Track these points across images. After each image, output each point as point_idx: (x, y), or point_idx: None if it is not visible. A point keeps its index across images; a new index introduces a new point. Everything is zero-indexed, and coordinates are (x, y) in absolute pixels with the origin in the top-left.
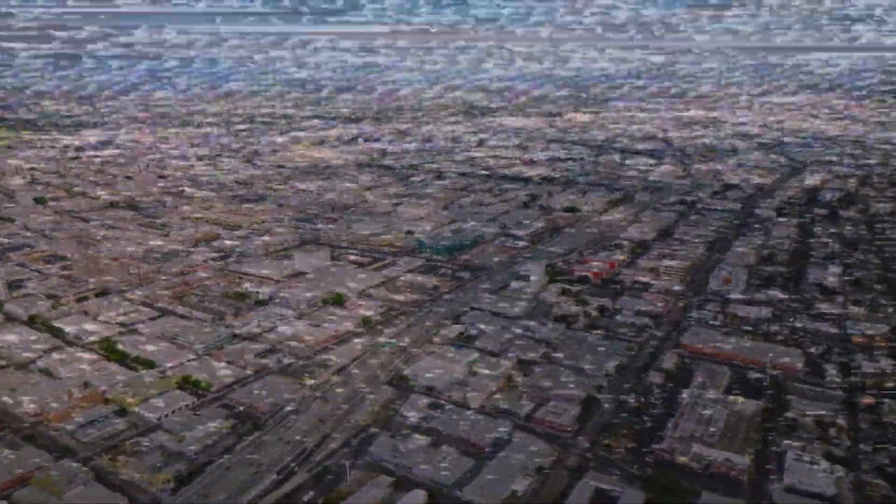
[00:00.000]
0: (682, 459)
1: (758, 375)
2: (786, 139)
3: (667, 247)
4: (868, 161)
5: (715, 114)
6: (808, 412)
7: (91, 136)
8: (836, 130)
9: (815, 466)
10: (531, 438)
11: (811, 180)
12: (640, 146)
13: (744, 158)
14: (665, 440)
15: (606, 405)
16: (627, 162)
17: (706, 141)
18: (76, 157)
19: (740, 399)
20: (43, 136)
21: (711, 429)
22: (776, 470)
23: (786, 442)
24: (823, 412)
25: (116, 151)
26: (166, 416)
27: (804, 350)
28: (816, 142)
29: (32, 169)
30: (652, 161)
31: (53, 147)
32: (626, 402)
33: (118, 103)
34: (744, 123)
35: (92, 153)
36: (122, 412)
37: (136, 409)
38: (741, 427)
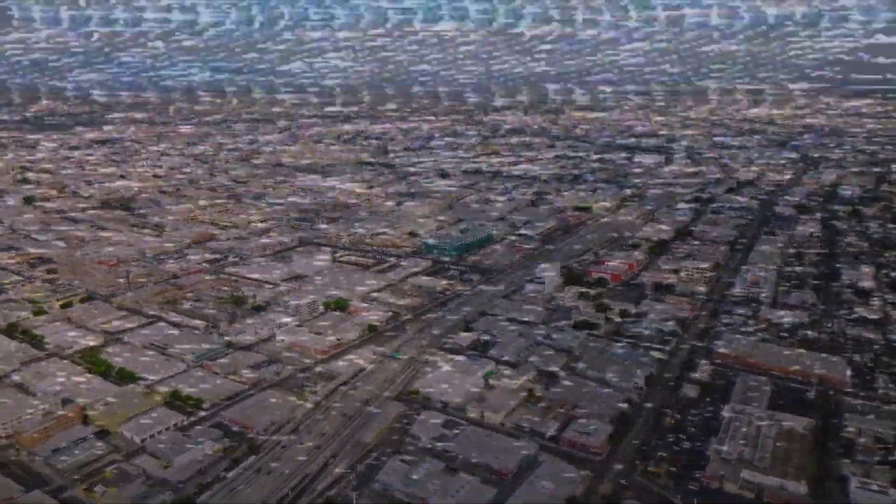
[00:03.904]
0: (731, 487)
1: (802, 388)
2: (795, 135)
3: (687, 246)
4: (882, 157)
5: (719, 110)
6: (865, 430)
7: (87, 133)
8: (845, 126)
9: (884, 496)
10: (559, 462)
11: (827, 177)
12: (645, 143)
13: (756, 155)
14: (709, 464)
15: (639, 423)
16: (635, 159)
17: (715, 138)
18: (69, 156)
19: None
20: (37, 135)
21: (760, 451)
22: (838, 499)
23: (846, 467)
24: (882, 430)
25: (111, 150)
26: (152, 437)
27: (849, 358)
28: (827, 137)
29: (24, 168)
30: (660, 158)
31: (47, 146)
32: (660, 420)
33: (116, 101)
34: (750, 120)
35: (86, 151)
36: (104, 433)
37: (119, 429)
38: (793, 448)
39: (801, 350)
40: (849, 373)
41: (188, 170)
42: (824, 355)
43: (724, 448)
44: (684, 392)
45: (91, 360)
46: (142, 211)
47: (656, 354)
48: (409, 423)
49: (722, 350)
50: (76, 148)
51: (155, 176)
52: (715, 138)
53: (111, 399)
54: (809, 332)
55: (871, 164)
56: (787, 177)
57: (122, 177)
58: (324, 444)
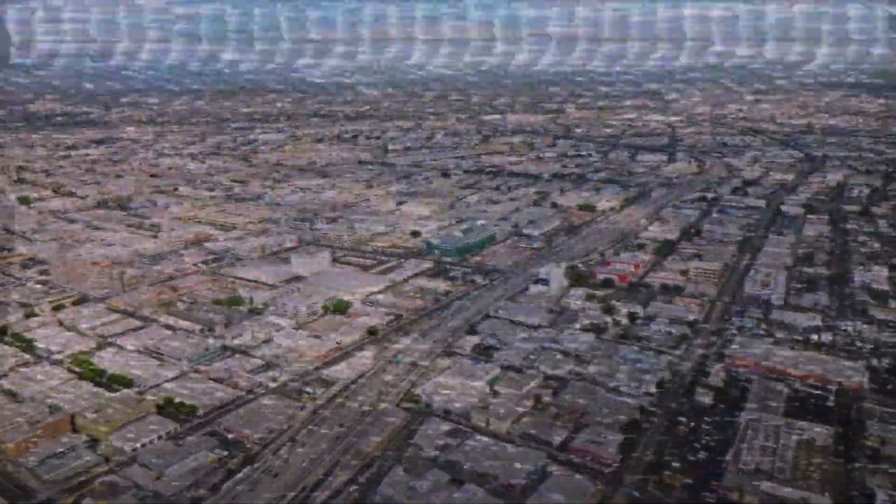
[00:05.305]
0: (751, 500)
1: (820, 393)
2: (799, 134)
3: (694, 247)
4: (888, 156)
5: (720, 110)
6: (889, 439)
7: (85, 132)
8: (848, 125)
9: None
10: (569, 473)
11: (834, 176)
12: (647, 142)
13: (759, 154)
14: (727, 475)
15: (651, 431)
16: (638, 158)
17: (717, 137)
18: (66, 156)
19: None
20: (35, 135)
21: (780, 461)
22: None
23: (871, 478)
24: None
25: (109, 149)
26: (143, 446)
27: (867, 363)
28: (831, 136)
29: (20, 167)
30: (663, 157)
31: (45, 145)
32: (673, 428)
33: (114, 100)
34: (752, 119)
35: (83, 151)
36: (93, 442)
37: (109, 438)
38: (814, 458)
39: (817, 354)
40: (866, 379)
41: (186, 169)
42: (840, 359)
43: (742, 458)
44: (698, 398)
45: (82, 365)
46: (139, 211)
47: (667, 358)
48: (411, 432)
49: (735, 354)
50: (73, 147)
51: (152, 175)
52: (718, 137)
53: (101, 406)
54: (824, 336)
55: (878, 163)
56: (792, 176)
57: (120, 176)
58: (323, 454)
